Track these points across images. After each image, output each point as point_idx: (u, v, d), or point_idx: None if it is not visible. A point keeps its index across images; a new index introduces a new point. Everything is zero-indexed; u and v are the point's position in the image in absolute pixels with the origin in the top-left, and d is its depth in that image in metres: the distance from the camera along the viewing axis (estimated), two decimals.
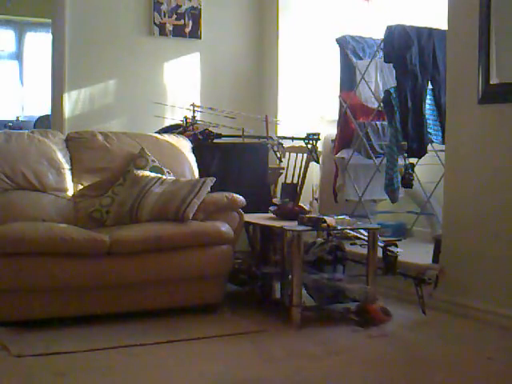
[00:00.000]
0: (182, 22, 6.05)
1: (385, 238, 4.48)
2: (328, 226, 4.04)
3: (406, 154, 4.94)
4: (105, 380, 3.08)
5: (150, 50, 5.99)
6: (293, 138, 5.51)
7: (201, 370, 3.21)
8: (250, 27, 6.39)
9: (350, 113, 5.35)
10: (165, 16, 5.98)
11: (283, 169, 5.55)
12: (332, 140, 5.52)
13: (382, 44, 5.06)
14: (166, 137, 4.83)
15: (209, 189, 4.26)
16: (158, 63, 6.03)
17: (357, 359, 3.41)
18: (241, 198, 4.32)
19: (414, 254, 4.65)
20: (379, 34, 5.21)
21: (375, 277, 4.08)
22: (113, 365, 3.24)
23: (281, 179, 5.57)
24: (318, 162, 5.42)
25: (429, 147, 5.03)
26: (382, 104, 5.09)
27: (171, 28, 6.01)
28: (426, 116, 5.04)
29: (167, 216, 4.12)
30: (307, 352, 3.49)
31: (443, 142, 4.76)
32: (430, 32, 5.02)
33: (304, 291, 4.04)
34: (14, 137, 4.36)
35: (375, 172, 5.19)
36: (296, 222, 4.11)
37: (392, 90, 4.96)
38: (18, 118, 9.44)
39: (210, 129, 5.24)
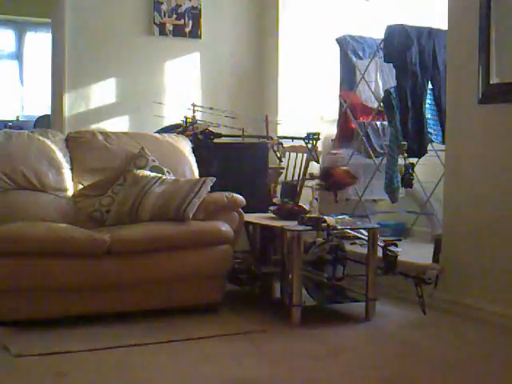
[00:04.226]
0: (182, 21, 6.05)
1: (385, 238, 4.48)
2: (328, 225, 4.04)
3: (405, 154, 4.94)
4: (105, 380, 3.08)
5: (150, 50, 5.99)
6: (293, 138, 5.50)
7: (201, 370, 3.20)
8: (249, 27, 6.39)
9: (350, 112, 5.35)
10: (165, 16, 5.98)
11: (283, 168, 5.55)
12: (332, 140, 5.52)
13: (382, 44, 5.06)
14: (166, 136, 4.83)
15: (209, 188, 4.26)
16: (158, 63, 6.03)
17: (357, 359, 3.41)
18: (241, 197, 4.32)
19: (414, 254, 4.65)
20: (379, 34, 5.21)
21: (375, 277, 4.08)
22: (113, 365, 3.24)
23: (281, 179, 5.57)
24: (318, 161, 5.42)
25: (429, 147, 5.03)
26: (381, 104, 5.09)
27: (171, 28, 6.01)
28: (426, 116, 5.04)
29: (167, 216, 4.12)
30: (307, 352, 3.48)
31: (443, 142, 4.76)
32: (430, 32, 5.02)
33: (304, 291, 4.04)
34: (14, 137, 4.36)
35: (375, 172, 5.19)
36: (296, 222, 4.11)
37: (392, 90, 4.96)
38: (18, 117, 9.44)
39: (210, 129, 5.24)
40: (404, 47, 4.91)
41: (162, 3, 5.98)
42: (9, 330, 3.64)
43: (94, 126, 5.65)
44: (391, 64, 5.06)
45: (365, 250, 4.17)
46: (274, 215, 4.49)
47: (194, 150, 4.86)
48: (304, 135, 5.34)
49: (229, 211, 4.29)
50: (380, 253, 4.20)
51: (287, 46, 6.24)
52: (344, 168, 3.94)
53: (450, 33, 4.36)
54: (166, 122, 5.66)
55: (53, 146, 4.43)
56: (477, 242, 4.14)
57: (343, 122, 5.40)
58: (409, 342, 3.71)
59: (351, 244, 4.70)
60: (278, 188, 5.57)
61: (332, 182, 3.81)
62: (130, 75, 5.92)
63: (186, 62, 6.14)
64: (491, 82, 4.02)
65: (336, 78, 5.57)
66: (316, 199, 5.63)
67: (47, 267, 3.73)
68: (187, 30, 6.08)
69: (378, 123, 5.36)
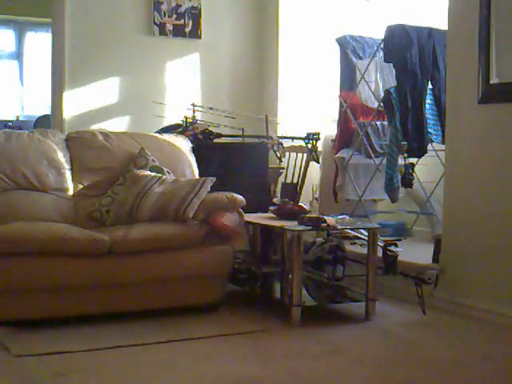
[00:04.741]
0: (181, 21, 6.05)
1: (385, 238, 4.48)
2: (328, 225, 4.04)
3: (405, 154, 4.94)
4: (105, 380, 3.08)
5: (150, 50, 5.99)
6: (293, 138, 5.50)
7: (201, 369, 3.21)
8: (249, 27, 6.39)
9: (350, 113, 5.34)
10: (165, 16, 5.99)
11: (283, 168, 5.55)
12: (332, 140, 5.52)
13: (382, 44, 5.06)
14: (166, 136, 4.83)
15: (209, 188, 4.26)
16: (157, 63, 6.04)
17: (357, 359, 3.41)
18: (241, 197, 4.31)
19: (414, 254, 4.65)
20: (379, 34, 5.21)
21: (375, 277, 4.08)
22: (113, 365, 3.25)
23: (281, 179, 5.57)
24: (317, 161, 5.42)
25: (429, 147, 5.03)
26: (381, 104, 5.09)
27: (171, 28, 6.02)
28: (426, 115, 5.04)
29: (167, 216, 4.11)
30: (307, 352, 3.48)
31: (443, 142, 4.76)
32: (430, 32, 5.02)
33: (304, 291, 4.04)
34: (14, 137, 4.36)
35: (375, 172, 5.19)
36: (296, 222, 4.11)
37: (392, 90, 4.96)
38: (18, 117, 9.45)
39: (210, 129, 5.24)
40: (404, 47, 4.91)
41: (162, 3, 5.98)
42: (9, 329, 3.63)
43: (94, 126, 5.66)
44: (391, 64, 5.06)
45: (365, 250, 4.17)
46: (274, 215, 4.49)
47: (194, 150, 4.86)
48: (304, 135, 5.35)
49: (229, 211, 4.28)
50: (380, 253, 4.20)
51: (287, 46, 6.24)
52: (235, 225, 3.88)
53: (450, 33, 4.36)
54: (166, 122, 5.66)
55: (53, 146, 4.43)
56: (477, 242, 4.14)
57: (343, 122, 5.40)
58: (409, 342, 3.71)
59: (351, 244, 4.70)
60: (278, 188, 5.57)
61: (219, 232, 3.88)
62: (130, 75, 5.92)
63: (185, 62, 6.14)
64: (491, 82, 4.02)
65: (336, 78, 5.57)
66: (316, 199, 5.64)
67: (47, 267, 3.73)
68: (187, 30, 6.09)
69: (378, 123, 5.36)
